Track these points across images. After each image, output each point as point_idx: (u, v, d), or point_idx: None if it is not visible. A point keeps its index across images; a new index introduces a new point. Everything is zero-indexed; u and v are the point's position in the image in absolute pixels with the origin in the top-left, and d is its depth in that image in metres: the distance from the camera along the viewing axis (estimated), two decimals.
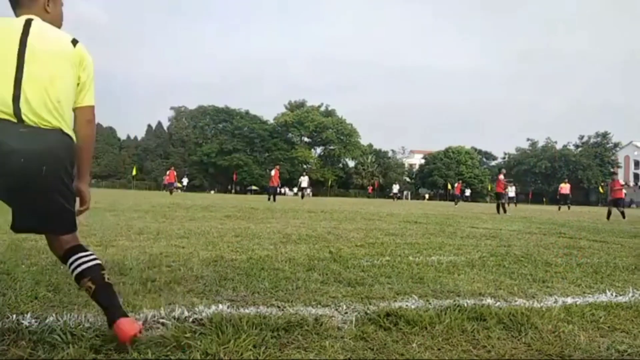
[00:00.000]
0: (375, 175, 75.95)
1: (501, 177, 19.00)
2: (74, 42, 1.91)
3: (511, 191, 40.12)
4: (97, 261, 1.92)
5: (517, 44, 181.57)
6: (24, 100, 1.73)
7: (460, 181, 40.36)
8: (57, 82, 1.82)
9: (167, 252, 4.19)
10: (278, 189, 24.54)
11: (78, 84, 1.92)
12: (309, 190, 35.17)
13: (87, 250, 1.94)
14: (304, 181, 30.19)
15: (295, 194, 30.22)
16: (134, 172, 55.18)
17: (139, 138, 78.03)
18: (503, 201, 18.48)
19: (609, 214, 15.59)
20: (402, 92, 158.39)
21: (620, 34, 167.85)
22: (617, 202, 16.09)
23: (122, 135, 77.70)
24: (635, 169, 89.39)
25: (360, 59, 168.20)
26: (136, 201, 15.67)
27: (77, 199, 2.00)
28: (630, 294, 3.11)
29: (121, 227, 6.23)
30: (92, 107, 1.97)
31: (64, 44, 1.88)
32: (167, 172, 31.21)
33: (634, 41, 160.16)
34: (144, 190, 49.24)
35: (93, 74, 1.99)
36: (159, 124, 77.38)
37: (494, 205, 21.37)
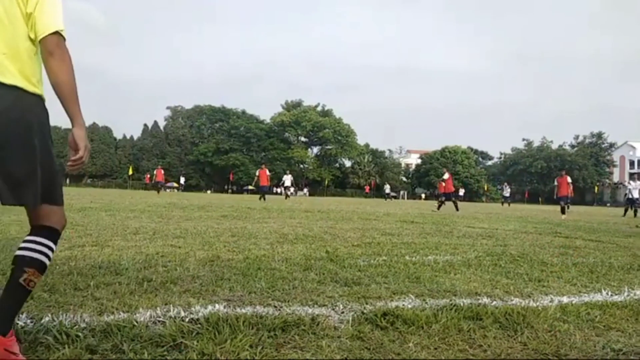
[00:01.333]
0: (372, 175, 76.04)
1: (447, 175, 19.06)
2: None
3: (506, 191, 40.36)
4: (38, 256, 1.64)
5: (513, 45, 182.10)
6: None
7: (442, 181, 40.84)
8: (3, 28, 1.57)
9: (164, 252, 4.18)
10: (269, 189, 24.46)
11: (29, 18, 1.62)
12: (292, 190, 34.71)
13: (49, 241, 1.68)
14: (287, 180, 29.44)
15: (280, 195, 29.88)
16: (130, 172, 55.04)
17: (135, 137, 77.81)
18: (454, 199, 18.58)
19: (562, 210, 16.21)
20: (399, 92, 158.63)
21: (616, 34, 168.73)
22: (562, 199, 16.72)
23: (118, 135, 77.44)
24: (630, 168, 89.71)
25: (357, 59, 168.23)
26: (132, 201, 15.63)
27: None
28: (626, 293, 3.12)
29: (117, 227, 6.22)
30: (53, 35, 1.63)
31: None
32: (155, 171, 30.62)
33: (629, 42, 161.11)
34: (140, 190, 49.11)
35: None
36: (155, 123, 77.20)
37: (490, 205, 21.41)
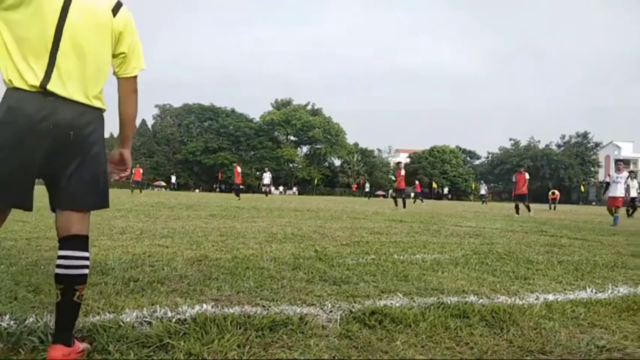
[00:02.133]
0: (361, 174, 76.22)
1: (402, 172, 18.92)
2: (115, 9, 1.80)
3: (483, 190, 40.62)
4: (83, 271, 1.77)
5: (501, 46, 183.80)
6: (56, 76, 1.65)
7: (419, 181, 41.27)
8: (93, 58, 1.75)
9: (151, 252, 4.14)
10: (236, 186, 24.41)
11: (119, 55, 1.85)
12: (272, 188, 34.27)
13: (85, 251, 1.81)
14: (267, 177, 29.05)
15: (262, 192, 29.50)
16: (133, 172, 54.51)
17: None
18: (404, 196, 18.48)
19: (517, 209, 15.97)
20: (389, 92, 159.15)
21: (602, 36, 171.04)
22: (520, 198, 16.39)
23: (105, 134, 76.54)
24: None
25: (347, 59, 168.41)
26: (119, 200, 15.47)
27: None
28: (610, 291, 3.17)
29: (103, 227, 6.15)
30: (136, 77, 1.92)
31: (103, 14, 1.77)
32: (133, 170, 30.09)
33: (615, 42, 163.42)
34: (127, 189, 48.66)
35: (137, 38, 1.90)
36: (143, 122, 76.42)
37: (476, 203, 21.52)
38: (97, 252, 4.05)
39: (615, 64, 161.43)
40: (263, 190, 29.58)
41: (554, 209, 27.70)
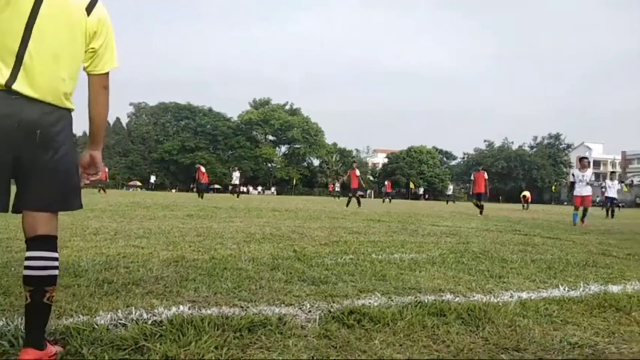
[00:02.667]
0: (340, 174, 76.43)
1: (357, 172, 18.92)
2: (90, 7, 1.75)
3: (449, 190, 41.06)
4: (53, 272, 1.72)
5: (477, 49, 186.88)
6: (22, 76, 1.61)
7: (390, 181, 41.79)
8: (63, 58, 1.71)
9: (125, 253, 4.06)
10: (202, 186, 24.25)
11: (89, 50, 1.80)
12: (249, 187, 33.83)
13: (54, 252, 1.76)
14: (236, 177, 28.73)
15: (231, 192, 28.94)
16: None
17: None
18: (356, 195, 18.56)
19: (480, 207, 15.64)
20: (367, 92, 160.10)
21: (576, 39, 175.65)
22: (479, 196, 16.15)
23: (77, 131, 74.62)
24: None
25: (326, 59, 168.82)
26: (92, 200, 15.15)
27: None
28: (581, 289, 3.25)
29: (76, 227, 6.01)
30: (108, 73, 1.87)
31: (77, 13, 1.72)
32: None
33: (588, 46, 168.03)
34: (93, 189, 47.63)
35: (112, 35, 1.86)
36: (118, 120, 74.92)
37: (453, 203, 21.74)
38: (70, 253, 3.95)
39: (588, 68, 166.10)
40: (232, 190, 29.13)
41: (527, 208, 28.29)
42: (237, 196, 27.53)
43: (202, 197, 22.03)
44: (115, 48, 1.89)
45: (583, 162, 12.38)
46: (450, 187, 42.47)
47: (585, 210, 11.54)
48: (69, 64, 1.74)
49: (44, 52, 1.66)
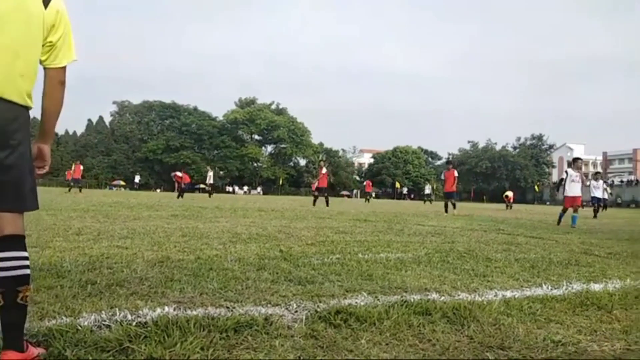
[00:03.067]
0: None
1: (324, 170, 18.88)
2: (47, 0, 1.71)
3: (427, 189, 41.29)
4: (24, 271, 1.67)
5: (461, 50, 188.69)
6: None
7: (370, 180, 42.13)
8: (22, 54, 1.66)
9: (109, 253, 4.01)
10: (185, 186, 24.23)
11: (47, 44, 1.75)
12: (228, 187, 33.27)
13: (23, 251, 1.71)
14: (210, 177, 28.54)
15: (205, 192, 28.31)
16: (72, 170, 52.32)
17: (79, 133, 74.25)
18: (324, 194, 18.50)
19: (446, 207, 15.46)
20: (353, 92, 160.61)
21: (557, 40, 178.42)
22: (450, 195, 15.91)
23: (59, 130, 73.52)
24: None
25: (311, 59, 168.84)
26: (75, 200, 14.93)
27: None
28: (564, 288, 3.30)
29: (59, 228, 5.91)
30: (65, 68, 1.82)
31: (33, 6, 1.68)
32: (72, 167, 27.63)
33: (569, 47, 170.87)
34: (83, 189, 46.93)
35: (69, 27, 1.81)
36: (101, 118, 73.93)
37: (437, 203, 21.82)
38: (52, 253, 3.88)
39: (570, 69, 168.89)
40: (206, 189, 28.80)
41: (510, 208, 28.63)
42: (210, 195, 27.14)
43: (182, 197, 21.86)
44: (73, 41, 1.84)
45: (578, 163, 12.14)
46: (428, 186, 42.62)
47: (575, 211, 11.28)
48: (27, 60, 1.69)
49: (1, 49, 1.62)
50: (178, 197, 22.17)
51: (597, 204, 16.98)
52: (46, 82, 1.80)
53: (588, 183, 13.88)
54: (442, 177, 16.86)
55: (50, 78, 1.80)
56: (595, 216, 16.03)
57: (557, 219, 11.70)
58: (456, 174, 16.12)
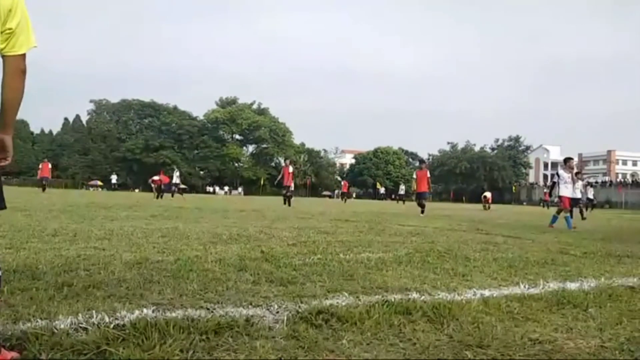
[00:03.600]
0: (308, 174, 76.57)
1: (290, 169, 18.67)
2: None
3: (401, 189, 41.43)
4: None
5: (443, 52, 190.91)
6: None
7: (346, 181, 42.41)
8: None
9: (86, 255, 3.93)
10: (164, 187, 23.85)
11: (5, 31, 1.68)
12: (181, 186, 32.49)
13: None
14: (176, 177, 28.08)
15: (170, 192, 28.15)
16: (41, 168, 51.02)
17: (55, 132, 72.66)
18: (289, 193, 18.39)
19: (422, 207, 14.69)
20: (335, 93, 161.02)
21: (533, 41, 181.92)
22: (421, 195, 15.34)
23: (35, 129, 71.93)
24: (545, 170, 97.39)
25: (293, 59, 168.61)
26: (51, 200, 14.60)
27: None
28: (541, 286, 3.36)
29: (34, 228, 5.77)
30: (25, 55, 1.74)
31: None
32: (40, 165, 26.56)
33: (546, 49, 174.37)
34: (59, 189, 45.97)
35: (27, 15, 1.74)
36: (77, 117, 72.56)
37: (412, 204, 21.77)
38: (27, 255, 3.78)
39: (548, 71, 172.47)
40: (172, 189, 28.37)
41: (488, 208, 28.99)
42: (172, 195, 26.61)
43: (161, 197, 21.55)
44: (32, 26, 1.77)
45: (570, 163, 11.59)
46: (402, 186, 42.80)
47: (570, 212, 11.02)
48: None
49: None
50: (157, 197, 21.85)
51: (581, 205, 16.53)
52: (5, 71, 1.72)
53: (579, 183, 13.68)
54: (415, 176, 16.26)
55: (9, 66, 1.71)
56: (583, 218, 15.21)
57: (534, 219, 11.91)
58: (429, 174, 15.64)
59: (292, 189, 18.96)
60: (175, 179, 28.11)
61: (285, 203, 17.70)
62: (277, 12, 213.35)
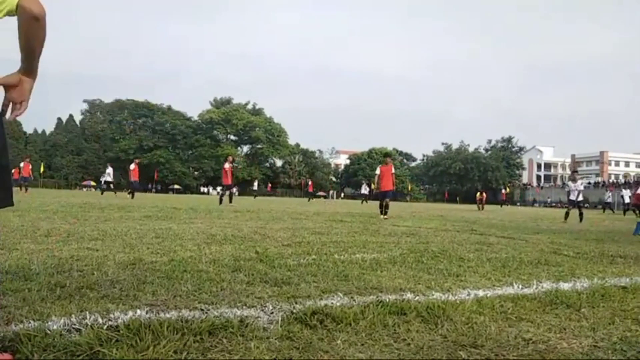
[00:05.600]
0: (303, 175, 76.53)
1: (226, 165, 18.10)
2: None
3: (364, 189, 40.77)
4: None
5: (436, 54, 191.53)
6: None
7: (311, 181, 42.32)
8: None
9: (79, 256, 3.90)
10: (134, 183, 22.92)
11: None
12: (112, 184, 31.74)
13: None
14: (108, 174, 27.76)
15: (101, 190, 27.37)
16: (41, 170, 50.78)
17: (48, 132, 72.16)
18: (226, 192, 18.07)
19: (381, 207, 12.96)
20: (330, 93, 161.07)
21: (526, 42, 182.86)
22: (385, 195, 13.19)
23: (28, 129, 71.38)
24: (537, 171, 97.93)
25: (288, 59, 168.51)
26: (43, 200, 14.50)
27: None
28: (534, 286, 3.38)
29: (26, 229, 5.72)
30: (30, 3, 1.57)
31: None
32: (21, 164, 25.92)
33: (539, 49, 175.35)
34: (52, 189, 45.68)
35: None
36: (71, 117, 72.11)
37: (413, 204, 21.85)
38: (20, 256, 3.75)
39: (541, 72, 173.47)
40: (104, 187, 28.00)
41: (482, 208, 29.11)
42: (102, 193, 26.28)
43: (133, 196, 21.05)
44: None
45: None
46: (365, 186, 42.07)
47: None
48: None
49: None
50: (130, 195, 21.25)
51: (573, 207, 16.00)
52: (19, 20, 1.61)
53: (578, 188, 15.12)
54: (377, 172, 13.59)
55: (25, 16, 1.59)
56: (580, 220, 14.90)
57: (528, 220, 12.00)
58: (394, 169, 13.48)
59: (234, 186, 18.78)
60: (108, 176, 27.72)
61: (221, 202, 17.25)
62: (272, 12, 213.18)
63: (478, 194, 33.18)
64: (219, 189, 70.38)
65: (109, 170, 28.17)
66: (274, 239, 5.88)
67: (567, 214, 15.15)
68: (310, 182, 40.93)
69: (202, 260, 3.91)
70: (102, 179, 27.58)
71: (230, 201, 17.53)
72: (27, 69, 1.71)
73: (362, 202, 36.28)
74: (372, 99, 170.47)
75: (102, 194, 26.11)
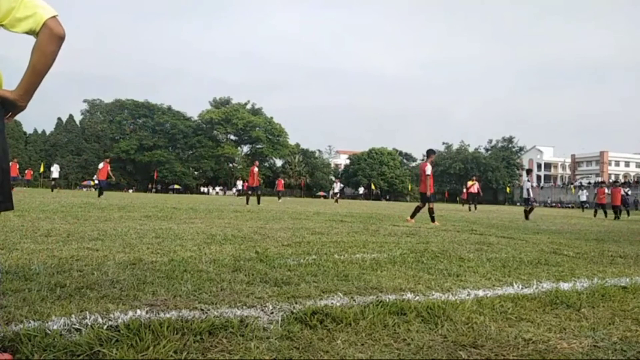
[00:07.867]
0: (303, 175, 76.57)
1: (255, 169, 18.99)
2: None
3: (337, 187, 40.59)
4: None
5: (435, 53, 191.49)
6: None
7: (280, 179, 41.65)
8: None
9: (79, 256, 3.91)
10: (101, 183, 21.91)
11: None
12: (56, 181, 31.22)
13: None
14: (55, 171, 27.74)
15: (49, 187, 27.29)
16: (41, 170, 50.73)
17: (48, 132, 72.13)
18: (259, 193, 19.01)
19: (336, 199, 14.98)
20: (330, 94, 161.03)
21: (526, 43, 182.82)
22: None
23: (28, 129, 71.30)
24: (538, 171, 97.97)
25: (287, 59, 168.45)
26: (43, 200, 14.50)
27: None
28: (534, 286, 3.38)
29: (26, 229, 5.72)
30: (56, 16, 1.65)
31: None
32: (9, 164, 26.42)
33: (539, 50, 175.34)
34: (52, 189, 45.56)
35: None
36: (71, 117, 71.98)
37: (413, 204, 21.82)
38: (20, 256, 3.76)
39: (542, 74, 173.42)
40: (51, 185, 27.91)
41: (475, 208, 25.95)
42: (52, 190, 26.10)
43: (101, 194, 20.55)
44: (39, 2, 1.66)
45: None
46: (336, 185, 41.67)
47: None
48: None
49: None
50: (99, 195, 20.63)
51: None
52: (40, 36, 1.64)
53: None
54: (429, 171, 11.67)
55: (47, 30, 1.63)
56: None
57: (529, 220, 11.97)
58: (428, 169, 11.27)
59: (259, 189, 19.17)
60: (54, 174, 27.74)
61: (247, 203, 17.76)
62: (271, 12, 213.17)
63: (469, 181, 28.08)
64: (217, 188, 70.53)
65: (56, 167, 28.30)
66: (274, 239, 5.88)
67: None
68: (277, 181, 40.08)
69: (202, 260, 3.91)
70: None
71: (258, 202, 17.71)
72: (28, 90, 1.72)
73: (336, 201, 34.91)
74: (372, 99, 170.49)
75: (52, 191, 25.95)
